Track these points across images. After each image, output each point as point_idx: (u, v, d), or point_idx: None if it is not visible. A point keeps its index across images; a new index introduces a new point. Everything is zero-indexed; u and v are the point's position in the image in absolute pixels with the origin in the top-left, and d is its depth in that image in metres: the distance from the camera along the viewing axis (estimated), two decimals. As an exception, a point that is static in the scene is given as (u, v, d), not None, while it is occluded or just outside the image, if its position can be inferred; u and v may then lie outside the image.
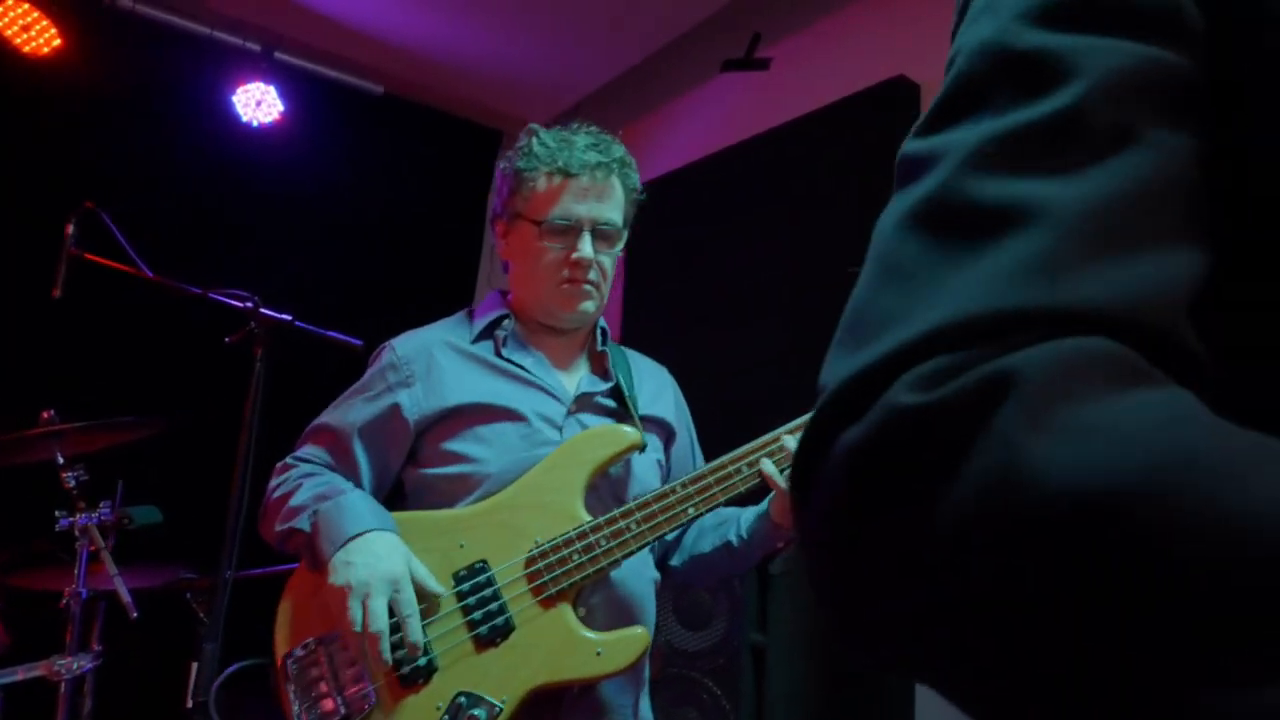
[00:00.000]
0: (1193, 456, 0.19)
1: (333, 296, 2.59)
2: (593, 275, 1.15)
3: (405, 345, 1.17)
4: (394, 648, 0.94)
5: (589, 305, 1.16)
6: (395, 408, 1.11)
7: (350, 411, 1.14)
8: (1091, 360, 0.22)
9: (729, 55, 3.01)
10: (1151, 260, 0.24)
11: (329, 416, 1.16)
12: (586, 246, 1.13)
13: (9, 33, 2.49)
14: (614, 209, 1.17)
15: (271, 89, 2.94)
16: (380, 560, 0.97)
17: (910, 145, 0.30)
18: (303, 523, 1.04)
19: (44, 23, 2.52)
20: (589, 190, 1.14)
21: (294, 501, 1.06)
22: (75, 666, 1.65)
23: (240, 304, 1.61)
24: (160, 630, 1.89)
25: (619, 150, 1.19)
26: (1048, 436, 0.20)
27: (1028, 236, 0.24)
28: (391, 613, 0.95)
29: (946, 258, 0.25)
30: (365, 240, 3.17)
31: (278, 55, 3.04)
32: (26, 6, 2.46)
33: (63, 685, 1.68)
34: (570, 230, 1.13)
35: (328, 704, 0.95)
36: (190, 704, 1.41)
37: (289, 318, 1.64)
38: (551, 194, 1.13)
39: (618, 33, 3.13)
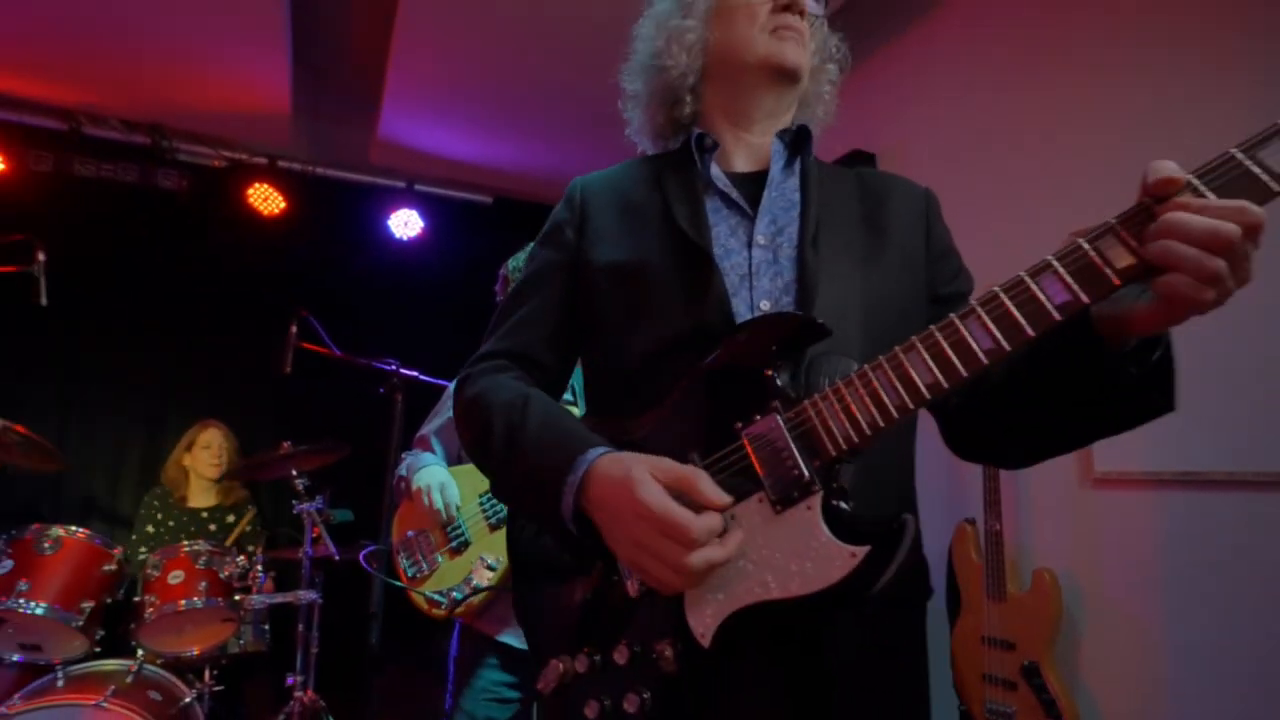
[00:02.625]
0: (492, 391, 0.96)
1: (456, 361, 3.64)
2: None
3: None
4: (448, 525, 1.83)
5: None
6: None
7: None
8: (487, 362, 1.01)
9: None
10: (524, 335, 1.02)
11: None
12: None
13: (254, 202, 3.84)
14: None
15: (414, 212, 4.12)
16: (435, 477, 1.85)
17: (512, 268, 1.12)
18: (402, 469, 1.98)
19: (275, 194, 3.86)
20: None
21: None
22: (306, 598, 2.70)
23: (388, 367, 2.63)
24: (347, 581, 2.89)
25: None
26: (468, 384, 0.99)
27: (496, 328, 1.04)
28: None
29: (491, 328, 1.06)
30: (479, 315, 4.26)
31: (417, 188, 4.24)
32: (266, 186, 3.81)
33: (300, 609, 2.73)
34: None
35: (419, 564, 1.85)
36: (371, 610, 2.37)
37: (416, 373, 2.64)
38: None
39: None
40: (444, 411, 2.03)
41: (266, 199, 3.83)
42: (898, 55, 3.09)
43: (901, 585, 0.72)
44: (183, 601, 2.46)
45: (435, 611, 1.79)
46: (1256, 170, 0.63)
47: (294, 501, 2.82)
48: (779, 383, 0.79)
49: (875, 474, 0.84)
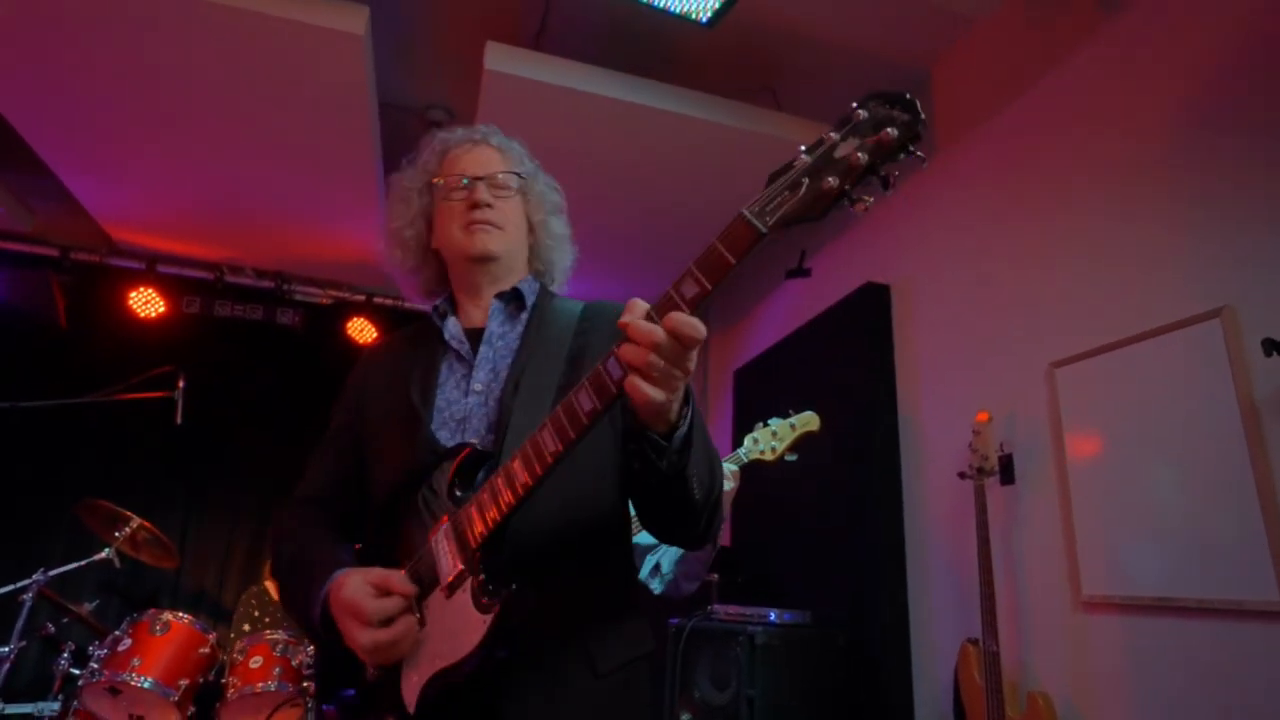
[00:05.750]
0: (284, 527, 1.19)
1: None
2: None
3: None
4: None
5: None
6: None
7: None
8: (296, 506, 1.21)
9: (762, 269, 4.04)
10: (320, 482, 1.21)
11: None
12: None
13: (353, 334, 4.51)
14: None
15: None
16: None
17: None
18: None
19: (370, 325, 4.51)
20: None
21: None
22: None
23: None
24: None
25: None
26: (278, 519, 1.22)
27: (305, 474, 1.24)
28: None
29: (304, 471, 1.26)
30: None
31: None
32: (363, 320, 4.48)
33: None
34: None
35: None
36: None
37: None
38: None
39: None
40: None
41: (362, 330, 4.49)
42: (904, 198, 3.39)
43: (560, 659, 0.96)
44: (259, 684, 2.83)
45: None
46: (676, 296, 0.83)
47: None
48: (457, 494, 0.99)
49: (533, 561, 0.99)
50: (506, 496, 0.91)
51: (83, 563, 3.09)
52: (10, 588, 2.85)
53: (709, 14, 2.74)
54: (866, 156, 0.79)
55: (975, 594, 2.34)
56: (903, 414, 3.10)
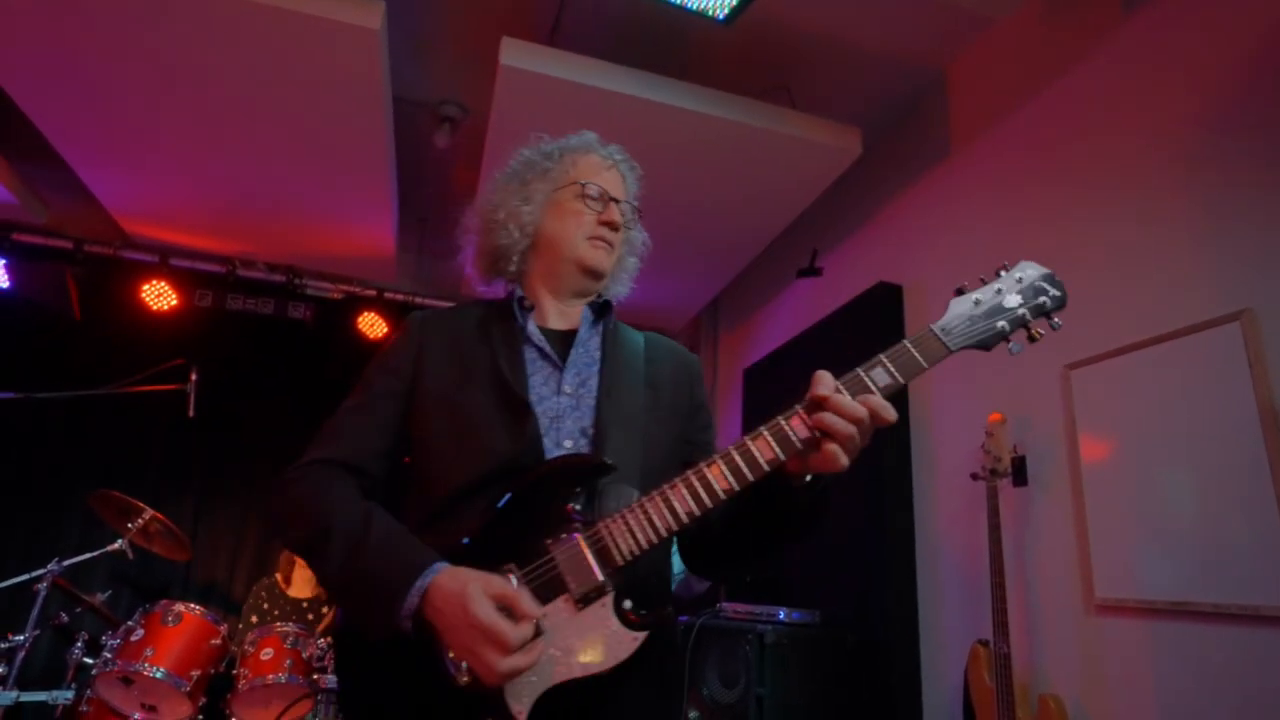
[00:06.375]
0: (330, 495, 1.08)
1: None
2: None
3: None
4: None
5: None
6: None
7: None
8: (319, 467, 1.12)
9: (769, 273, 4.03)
10: (357, 447, 1.14)
11: None
12: None
13: (363, 328, 4.52)
14: None
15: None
16: None
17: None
18: None
19: (380, 320, 4.52)
20: None
21: None
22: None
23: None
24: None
25: None
26: (298, 481, 1.10)
27: (328, 439, 1.15)
28: None
29: (321, 438, 1.15)
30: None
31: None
32: (373, 314, 4.49)
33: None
34: None
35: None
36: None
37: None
38: None
39: (711, 268, 4.37)
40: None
41: (373, 325, 4.50)
42: (917, 197, 3.38)
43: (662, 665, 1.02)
44: (270, 676, 2.85)
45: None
46: (867, 380, 1.00)
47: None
48: (577, 507, 1.01)
49: (645, 580, 1.07)
50: (666, 521, 0.98)
51: (96, 553, 3.11)
52: (25, 577, 2.87)
53: (726, 10, 2.73)
54: (1027, 314, 1.07)
55: (986, 595, 2.33)
56: (915, 414, 3.09)
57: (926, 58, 3.22)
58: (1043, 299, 1.07)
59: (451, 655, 0.94)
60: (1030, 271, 1.09)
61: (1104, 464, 2.26)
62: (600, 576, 0.97)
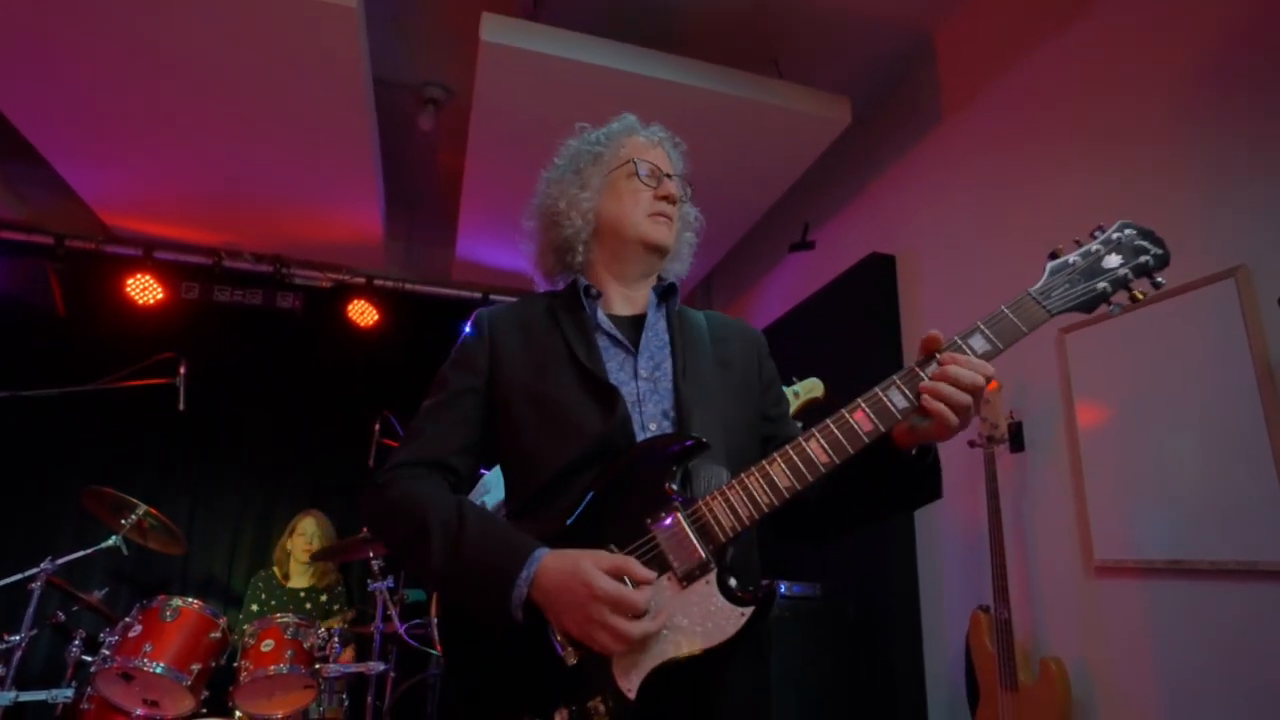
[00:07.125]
0: (423, 494, 1.07)
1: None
2: None
3: None
4: None
5: None
6: None
7: None
8: (407, 469, 1.12)
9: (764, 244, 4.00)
10: (440, 446, 1.14)
11: None
12: None
13: (353, 316, 4.47)
14: None
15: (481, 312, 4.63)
16: None
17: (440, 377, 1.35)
18: None
19: (370, 308, 4.48)
20: None
21: None
22: (375, 669, 3.03)
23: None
24: (420, 654, 3.21)
25: None
26: (391, 485, 1.09)
27: (412, 440, 1.16)
28: None
29: (406, 440, 1.17)
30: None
31: (492, 298, 4.77)
32: (363, 302, 4.44)
33: (371, 678, 3.05)
34: None
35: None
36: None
37: (483, 470, 3.01)
38: None
39: (703, 244, 4.34)
40: (484, 494, 2.34)
41: (363, 313, 4.45)
42: (908, 166, 3.35)
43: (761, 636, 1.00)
44: (272, 667, 2.84)
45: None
46: (965, 347, 1.05)
47: (368, 581, 3.21)
48: (675, 487, 1.01)
49: (741, 555, 1.08)
50: (768, 497, 0.98)
51: (90, 550, 3.08)
52: (18, 576, 2.84)
53: (709, -20, 2.68)
54: (1129, 273, 1.05)
55: (985, 562, 2.33)
56: (910, 385, 3.07)
57: (914, 24, 3.18)
58: (1145, 258, 1.05)
59: (559, 637, 0.96)
60: (1129, 230, 1.07)
61: (1100, 426, 2.25)
62: (703, 554, 0.98)
